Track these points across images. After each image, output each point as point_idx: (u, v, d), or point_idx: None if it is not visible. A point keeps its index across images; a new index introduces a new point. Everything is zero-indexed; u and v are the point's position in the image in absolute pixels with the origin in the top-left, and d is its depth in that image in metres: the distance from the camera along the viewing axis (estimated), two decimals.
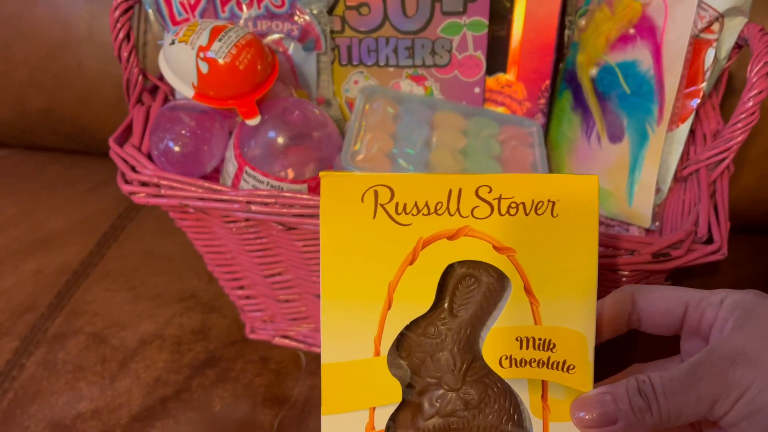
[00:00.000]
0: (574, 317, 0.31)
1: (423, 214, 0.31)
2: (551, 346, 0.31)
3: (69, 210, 0.80)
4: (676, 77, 0.49)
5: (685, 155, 0.52)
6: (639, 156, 0.52)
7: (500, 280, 0.32)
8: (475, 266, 0.32)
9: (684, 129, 0.51)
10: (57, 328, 0.66)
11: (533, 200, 0.31)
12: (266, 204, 0.46)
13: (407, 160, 0.50)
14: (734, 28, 0.49)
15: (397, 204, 0.31)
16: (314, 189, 0.50)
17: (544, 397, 0.32)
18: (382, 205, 0.31)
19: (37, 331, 0.66)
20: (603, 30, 0.54)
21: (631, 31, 0.52)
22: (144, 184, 0.48)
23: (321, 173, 0.31)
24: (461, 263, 0.32)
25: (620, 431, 0.30)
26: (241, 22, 0.53)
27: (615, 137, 0.54)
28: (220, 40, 0.46)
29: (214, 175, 0.53)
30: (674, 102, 0.50)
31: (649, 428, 0.30)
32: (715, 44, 0.49)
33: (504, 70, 0.57)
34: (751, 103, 0.44)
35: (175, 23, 0.53)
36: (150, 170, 0.48)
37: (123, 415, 0.59)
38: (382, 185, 0.31)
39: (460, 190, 0.31)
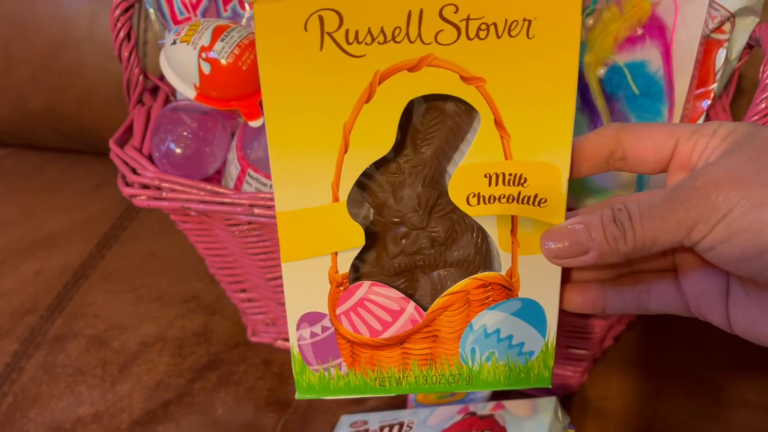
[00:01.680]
0: (548, 149, 0.28)
1: (378, 43, 0.27)
2: (522, 180, 0.29)
3: (70, 210, 0.80)
4: (686, 78, 0.48)
5: None
6: None
7: (468, 111, 0.29)
8: (439, 98, 0.29)
9: None
10: (57, 331, 0.65)
11: (506, 20, 0.26)
12: (269, 207, 0.45)
13: None
14: (746, 28, 0.48)
15: (347, 31, 0.27)
16: None
17: (513, 231, 0.30)
18: (329, 34, 0.26)
19: (37, 334, 0.65)
20: (611, 29, 0.53)
21: (640, 30, 0.51)
22: (145, 186, 0.48)
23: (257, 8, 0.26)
24: (424, 98, 0.29)
25: (591, 260, 0.29)
26: (244, 21, 0.53)
27: None
28: (222, 40, 0.46)
29: (217, 176, 0.52)
30: (684, 103, 0.49)
31: (622, 257, 0.28)
32: (726, 44, 0.48)
33: None
34: (763, 105, 0.43)
35: (177, 22, 0.52)
36: (151, 172, 0.47)
37: (124, 419, 0.58)
38: (327, 9, 0.26)
39: (421, 12, 0.26)
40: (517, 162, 0.29)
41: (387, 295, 0.32)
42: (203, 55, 0.45)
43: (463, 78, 0.28)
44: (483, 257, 0.32)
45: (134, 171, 0.48)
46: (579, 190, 0.57)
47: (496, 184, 0.29)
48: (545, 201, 0.29)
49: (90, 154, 0.89)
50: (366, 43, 0.27)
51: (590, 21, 0.55)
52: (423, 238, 0.32)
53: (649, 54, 0.50)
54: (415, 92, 0.28)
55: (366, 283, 0.32)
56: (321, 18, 0.27)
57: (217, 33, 0.46)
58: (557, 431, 0.50)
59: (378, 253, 0.33)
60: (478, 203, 0.30)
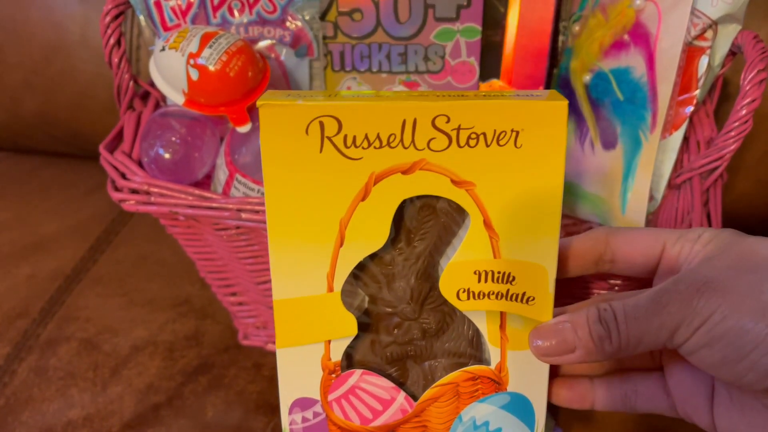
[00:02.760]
0: (535, 250, 0.29)
1: (375, 147, 0.28)
2: (510, 278, 0.30)
3: (62, 214, 0.80)
4: (669, 84, 0.49)
5: (678, 163, 0.52)
6: (632, 163, 0.52)
7: (459, 209, 0.30)
8: (432, 197, 0.30)
9: (677, 136, 0.51)
10: (49, 334, 0.66)
11: (495, 130, 0.28)
12: (257, 212, 0.46)
13: None
14: (728, 35, 0.48)
15: (345, 136, 0.28)
16: None
17: (502, 326, 0.31)
18: (329, 138, 0.28)
19: (29, 337, 0.66)
20: (597, 36, 0.54)
21: (625, 37, 0.52)
22: (134, 191, 0.48)
23: (258, 102, 0.28)
24: (417, 197, 0.30)
25: (578, 359, 0.29)
26: (233, 28, 0.53)
27: (608, 144, 0.54)
28: (210, 46, 0.46)
29: (206, 181, 0.53)
30: (667, 109, 0.50)
31: (608, 356, 0.29)
32: (708, 51, 0.49)
33: (497, 76, 0.57)
34: (744, 112, 0.43)
35: (166, 29, 0.53)
36: (140, 177, 0.48)
37: (114, 422, 0.58)
38: (327, 116, 0.28)
39: (414, 121, 0.28)
40: (506, 261, 0.30)
41: (378, 384, 0.33)
42: (191, 61, 0.46)
43: (453, 182, 0.29)
44: (473, 350, 0.33)
45: (123, 176, 0.49)
46: (565, 194, 0.57)
47: (486, 281, 0.30)
48: (533, 299, 0.30)
49: (83, 158, 0.89)
50: (363, 147, 0.29)
51: (576, 28, 0.56)
52: (415, 328, 0.33)
53: (634, 60, 0.51)
54: (408, 193, 0.29)
55: (358, 372, 0.33)
56: (321, 123, 0.28)
57: (206, 40, 0.46)
58: None
59: (371, 342, 0.34)
60: (468, 298, 0.31)
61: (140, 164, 0.50)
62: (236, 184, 0.49)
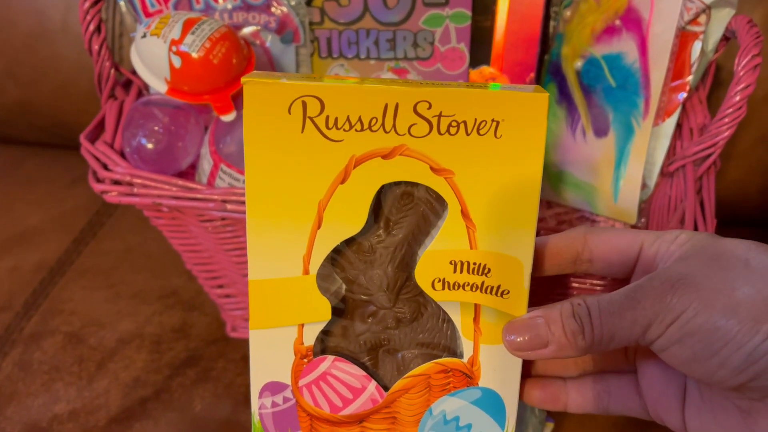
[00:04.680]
0: (512, 243, 0.30)
1: (356, 130, 0.29)
2: (486, 270, 0.30)
3: (46, 206, 0.79)
4: (662, 70, 0.48)
5: (671, 150, 0.51)
6: (625, 150, 0.51)
7: (439, 199, 0.30)
8: (412, 185, 0.30)
9: (670, 123, 0.50)
10: (33, 328, 0.65)
11: (476, 119, 0.28)
12: (242, 203, 0.45)
13: None
14: (722, 20, 0.48)
15: (327, 117, 0.29)
16: None
17: (476, 319, 0.31)
18: (311, 118, 0.28)
19: (13, 331, 0.64)
20: (588, 21, 0.53)
21: (617, 22, 0.51)
22: (116, 182, 0.47)
23: (243, 78, 0.28)
24: (397, 184, 0.30)
25: (550, 354, 0.29)
26: (217, 14, 0.52)
27: (600, 131, 0.53)
28: (193, 33, 0.45)
29: (190, 171, 0.52)
30: (660, 95, 0.49)
31: (581, 352, 0.29)
32: (702, 36, 0.48)
33: (488, 62, 0.56)
34: (738, 98, 0.43)
35: (148, 15, 0.51)
36: (122, 168, 0.47)
37: (101, 416, 0.57)
38: (311, 96, 0.28)
39: (396, 105, 0.28)
40: (482, 252, 0.30)
41: (349, 372, 0.33)
42: (174, 48, 0.45)
43: (432, 169, 0.29)
44: (447, 342, 0.33)
45: (105, 166, 0.47)
46: (556, 182, 0.57)
47: (461, 271, 0.30)
48: (507, 292, 0.30)
49: (67, 148, 0.88)
50: (344, 130, 0.29)
51: (568, 13, 0.55)
52: (389, 317, 0.33)
53: (626, 46, 0.50)
54: (387, 178, 0.30)
55: (330, 358, 0.33)
56: (304, 103, 0.28)
57: (188, 26, 0.45)
58: (533, 425, 0.50)
59: (344, 329, 0.33)
60: (443, 288, 0.31)
61: (122, 154, 0.49)
62: (221, 174, 0.47)
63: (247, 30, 0.53)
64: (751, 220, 0.73)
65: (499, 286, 0.30)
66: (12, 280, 0.69)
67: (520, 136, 0.28)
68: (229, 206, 0.45)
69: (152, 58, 0.46)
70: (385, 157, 0.29)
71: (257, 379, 0.33)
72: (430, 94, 0.28)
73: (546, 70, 0.58)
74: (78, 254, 0.72)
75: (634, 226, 0.53)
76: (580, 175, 0.55)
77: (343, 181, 0.29)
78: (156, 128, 0.47)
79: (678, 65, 0.49)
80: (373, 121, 0.28)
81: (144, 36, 0.46)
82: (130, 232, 0.75)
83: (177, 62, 0.45)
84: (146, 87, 0.54)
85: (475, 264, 0.30)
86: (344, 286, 0.32)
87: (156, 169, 0.47)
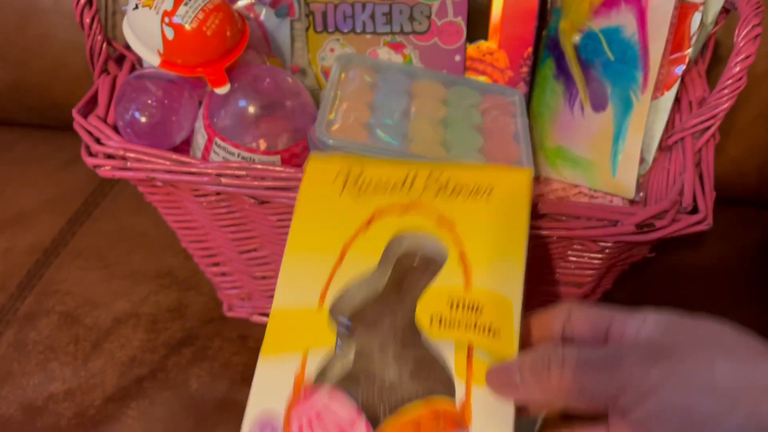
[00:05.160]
0: (502, 283, 0.33)
1: (382, 191, 0.37)
2: (479, 308, 0.33)
3: (39, 187, 0.78)
4: (661, 43, 0.48)
5: (670, 124, 0.51)
6: (623, 125, 0.51)
7: (440, 253, 0.35)
8: (419, 243, 0.36)
9: (669, 97, 0.50)
10: (27, 308, 0.64)
11: (473, 186, 0.36)
12: (237, 176, 0.44)
13: (385, 131, 0.48)
14: None
15: (363, 181, 0.37)
16: (287, 161, 0.48)
17: (469, 360, 0.33)
18: (349, 183, 0.37)
19: (7, 312, 0.64)
20: None
21: None
22: (109, 156, 0.46)
23: (310, 156, 0.37)
24: (407, 234, 0.36)
25: (522, 400, 0.31)
26: None
27: (598, 106, 0.53)
28: (186, 4, 0.44)
29: (184, 147, 0.51)
30: (659, 68, 0.48)
31: (549, 400, 0.30)
32: (701, 8, 0.48)
33: (485, 37, 0.56)
34: (738, 69, 0.42)
35: None
36: (116, 142, 0.46)
37: (97, 396, 0.57)
38: (356, 165, 0.37)
39: (416, 174, 0.37)
40: (476, 291, 0.33)
41: (342, 407, 0.33)
42: (166, 20, 0.44)
43: (438, 221, 0.36)
44: (442, 384, 0.33)
45: (98, 141, 0.47)
46: (554, 158, 0.56)
47: (457, 309, 0.33)
48: (498, 332, 0.32)
49: (60, 130, 0.87)
50: (372, 190, 0.37)
51: None
52: (391, 364, 0.34)
53: (624, 19, 0.50)
54: (402, 228, 0.36)
55: (325, 390, 0.33)
56: (348, 173, 0.37)
57: None
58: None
59: (343, 369, 0.34)
60: (440, 326, 0.33)
61: (116, 129, 0.48)
62: (215, 148, 0.47)
63: (240, 3, 0.52)
64: (749, 199, 0.73)
65: (490, 325, 0.32)
66: (6, 261, 0.69)
67: (508, 200, 0.35)
68: (223, 180, 0.44)
69: (144, 30, 0.45)
70: (402, 211, 0.36)
71: (253, 405, 0.33)
72: (442, 167, 0.37)
73: (544, 45, 0.57)
74: (72, 235, 0.72)
75: (632, 201, 0.53)
76: (578, 150, 0.54)
77: (366, 229, 0.36)
78: (149, 102, 0.47)
79: (677, 38, 0.48)
80: (397, 184, 0.37)
81: (136, 7, 0.45)
82: (125, 213, 0.74)
83: (170, 34, 0.44)
84: (139, 61, 0.54)
85: (469, 302, 0.33)
86: (351, 326, 0.34)
87: (149, 143, 0.47)
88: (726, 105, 0.43)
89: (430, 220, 0.36)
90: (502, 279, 0.33)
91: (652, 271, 0.65)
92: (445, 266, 0.34)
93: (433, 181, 0.36)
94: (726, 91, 0.43)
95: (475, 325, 0.33)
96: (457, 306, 0.33)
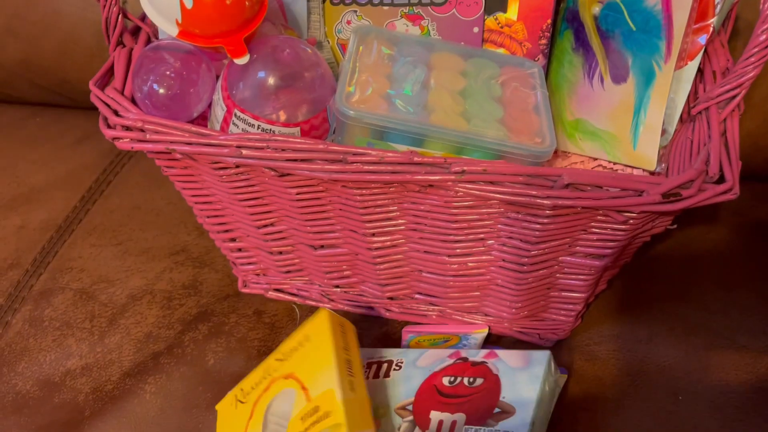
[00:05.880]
0: (324, 382, 0.45)
1: (255, 391, 0.50)
2: (316, 408, 0.44)
3: (51, 165, 0.78)
4: (685, 11, 0.47)
5: (692, 94, 0.50)
6: (645, 96, 0.50)
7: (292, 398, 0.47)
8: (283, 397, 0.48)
9: (693, 66, 0.49)
10: (42, 285, 0.64)
11: (298, 340, 0.49)
12: (258, 148, 0.44)
13: (405, 101, 0.48)
14: None
15: (244, 394, 0.51)
16: (307, 132, 0.47)
17: None
18: (239, 400, 0.51)
19: (22, 288, 0.64)
20: None
21: None
22: (128, 128, 0.46)
23: (217, 406, 0.52)
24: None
25: None
26: None
27: (619, 77, 0.52)
28: None
29: (201, 122, 0.51)
30: (683, 37, 0.48)
31: None
32: None
33: (503, 9, 0.55)
34: (764, 36, 0.41)
35: None
36: (134, 114, 0.46)
37: (114, 371, 0.57)
38: (240, 391, 0.52)
39: (273, 379, 0.49)
40: (313, 399, 0.45)
41: None
42: None
43: (284, 377, 0.48)
44: None
45: (116, 113, 0.46)
46: (573, 131, 0.56)
47: (305, 419, 0.44)
48: (330, 413, 0.43)
49: (72, 108, 0.86)
50: (249, 395, 0.50)
51: None
52: None
53: None
54: (270, 398, 0.49)
55: None
56: (238, 393, 0.52)
57: None
58: (550, 384, 0.50)
59: None
60: None
61: (133, 101, 0.48)
62: (235, 120, 0.46)
63: None
64: (762, 173, 0.72)
65: (326, 412, 0.43)
66: (19, 238, 0.69)
67: (317, 341, 0.48)
68: (244, 152, 0.44)
69: (162, 0, 0.45)
70: (266, 389, 0.49)
71: None
72: (290, 365, 0.49)
73: (562, 17, 0.57)
74: (85, 212, 0.72)
75: (652, 173, 0.52)
76: (598, 123, 0.54)
77: (250, 417, 0.49)
78: (168, 73, 0.46)
79: (701, 6, 0.48)
80: (261, 383, 0.50)
81: None
82: (138, 190, 0.74)
83: (188, 3, 0.44)
84: (155, 34, 0.53)
85: (311, 408, 0.44)
86: None
87: (167, 115, 0.46)
88: (752, 74, 0.42)
89: (285, 380, 0.48)
90: (324, 380, 0.45)
91: (667, 245, 0.65)
92: (295, 404, 0.46)
93: (279, 359, 0.50)
94: (753, 59, 0.42)
95: (318, 420, 0.43)
96: (306, 417, 0.44)
